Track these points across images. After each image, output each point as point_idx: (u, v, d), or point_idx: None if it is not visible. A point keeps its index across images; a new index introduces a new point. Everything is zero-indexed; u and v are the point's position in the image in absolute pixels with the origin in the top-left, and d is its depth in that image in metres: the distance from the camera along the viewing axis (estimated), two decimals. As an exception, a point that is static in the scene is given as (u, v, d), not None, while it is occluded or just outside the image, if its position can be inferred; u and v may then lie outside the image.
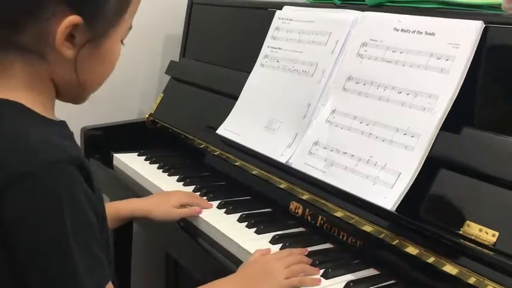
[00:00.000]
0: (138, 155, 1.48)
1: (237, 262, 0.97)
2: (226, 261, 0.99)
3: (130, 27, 0.76)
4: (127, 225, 1.50)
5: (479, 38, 0.90)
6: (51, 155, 0.63)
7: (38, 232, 0.62)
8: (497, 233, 0.79)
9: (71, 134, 0.72)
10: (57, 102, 0.78)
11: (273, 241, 1.00)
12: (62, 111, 0.75)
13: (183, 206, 1.12)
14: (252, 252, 0.96)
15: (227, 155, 1.28)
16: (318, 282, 0.89)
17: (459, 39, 0.92)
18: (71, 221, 0.62)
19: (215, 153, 1.32)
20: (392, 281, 0.90)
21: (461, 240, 0.82)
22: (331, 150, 1.04)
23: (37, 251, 0.62)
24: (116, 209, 1.07)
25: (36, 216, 0.62)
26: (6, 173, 0.61)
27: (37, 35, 0.66)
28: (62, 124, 0.72)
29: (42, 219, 0.62)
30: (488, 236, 0.80)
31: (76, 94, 0.75)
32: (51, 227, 0.62)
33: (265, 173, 1.16)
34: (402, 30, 1.02)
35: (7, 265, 0.63)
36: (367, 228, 0.95)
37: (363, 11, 1.11)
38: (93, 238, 0.66)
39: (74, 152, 0.66)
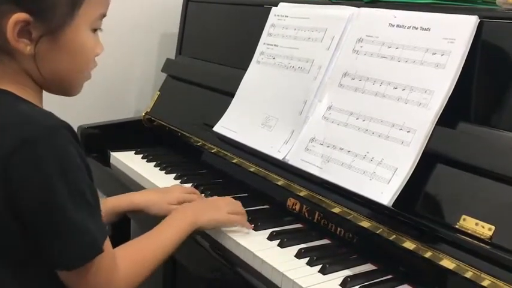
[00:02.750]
0: (135, 153, 1.47)
1: (235, 259, 0.98)
2: (224, 258, 0.99)
3: (104, 15, 0.77)
4: (125, 224, 1.51)
5: (474, 32, 0.90)
6: (49, 121, 0.69)
7: (46, 193, 0.67)
8: (493, 227, 0.80)
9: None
10: (54, 99, 0.79)
11: (271, 237, 1.01)
12: (59, 108, 0.76)
13: (181, 203, 1.12)
14: (250, 249, 0.96)
15: (224, 152, 1.28)
16: (251, 226, 1.03)
17: (454, 34, 0.93)
18: (73, 180, 0.68)
19: (212, 151, 1.32)
20: (390, 276, 0.91)
21: (458, 235, 0.83)
22: (328, 147, 1.04)
23: (48, 210, 0.68)
24: (113, 202, 1.08)
25: (42, 178, 0.67)
26: (8, 142, 0.66)
27: None
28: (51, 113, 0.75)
29: (48, 180, 0.67)
30: (485, 229, 0.80)
31: (56, 86, 0.77)
32: (56, 186, 0.67)
33: (263, 170, 1.16)
34: (398, 25, 1.02)
35: (15, 230, 0.69)
36: (364, 223, 0.95)
37: (358, 7, 1.11)
38: (93, 196, 0.72)
39: (64, 121, 0.71)
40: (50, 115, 0.71)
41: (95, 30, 0.77)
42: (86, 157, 0.73)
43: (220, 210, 1.02)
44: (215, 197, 1.12)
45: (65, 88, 0.78)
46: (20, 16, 0.68)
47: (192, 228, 0.95)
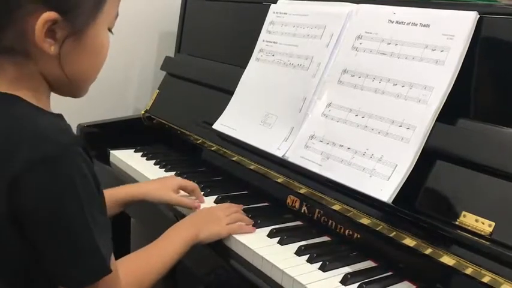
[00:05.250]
0: (135, 152, 1.47)
1: (235, 257, 0.98)
2: (224, 256, 0.99)
3: (117, 15, 0.77)
4: (125, 223, 1.51)
5: (473, 28, 0.90)
6: (62, 139, 0.67)
7: (59, 213, 0.66)
8: (493, 223, 0.80)
9: (68, 126, 0.74)
10: (53, 98, 0.78)
11: (271, 235, 1.00)
12: (58, 107, 0.75)
13: (180, 188, 1.13)
14: (250, 246, 0.96)
15: (224, 150, 1.27)
16: (253, 230, 1.03)
17: (454, 30, 0.92)
18: (85, 200, 0.67)
19: (212, 149, 1.32)
20: (390, 273, 0.90)
21: (458, 231, 0.82)
22: (327, 144, 1.04)
23: (60, 230, 0.67)
24: (112, 192, 1.06)
25: (56, 196, 0.66)
26: (20, 160, 0.65)
27: (18, 35, 0.68)
28: (61, 116, 0.74)
29: (61, 199, 0.66)
30: (485, 226, 0.80)
31: (70, 88, 0.76)
32: (70, 206, 0.66)
33: (262, 168, 1.16)
34: (397, 22, 1.02)
35: (21, 247, 0.68)
36: (364, 220, 0.95)
37: (357, 3, 1.11)
38: (100, 212, 0.71)
39: (77, 136, 0.68)
40: (63, 130, 0.70)
41: (109, 30, 0.76)
42: None
43: (220, 223, 1.01)
44: (213, 207, 1.10)
45: (78, 88, 0.77)
46: (51, 15, 0.66)
47: (193, 243, 0.96)
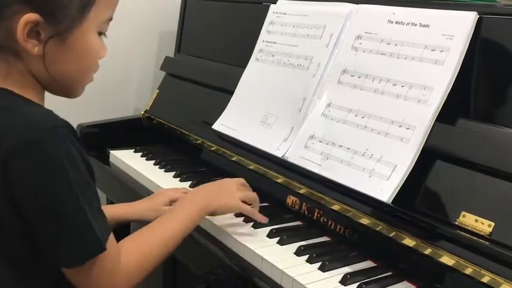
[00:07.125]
0: (135, 152, 1.47)
1: (235, 257, 0.98)
2: (224, 256, 0.99)
3: (110, 19, 0.77)
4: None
5: (473, 29, 0.90)
6: (48, 122, 0.69)
7: (50, 193, 0.68)
8: (492, 223, 0.80)
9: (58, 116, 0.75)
10: (53, 99, 0.79)
11: (270, 235, 1.00)
12: (58, 108, 0.76)
13: (173, 202, 1.11)
14: (249, 246, 0.96)
15: (223, 150, 1.28)
16: (265, 220, 1.02)
17: (453, 30, 0.92)
18: (75, 180, 0.68)
19: (211, 149, 1.32)
20: (389, 273, 0.91)
21: (458, 231, 0.83)
22: (327, 144, 1.04)
23: (51, 211, 0.68)
24: (110, 211, 1.05)
25: (44, 179, 0.67)
26: (8, 144, 0.66)
27: (7, 33, 0.70)
28: (50, 111, 0.74)
29: (50, 181, 0.67)
30: (484, 226, 0.80)
31: (59, 88, 0.77)
32: (60, 187, 0.68)
33: (262, 168, 1.16)
34: (397, 22, 1.02)
35: (18, 226, 0.69)
36: (364, 220, 0.95)
37: (357, 3, 1.11)
38: (93, 194, 0.72)
39: (66, 121, 0.71)
40: (50, 115, 0.71)
41: (100, 33, 0.77)
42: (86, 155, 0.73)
43: (233, 195, 0.99)
44: (226, 179, 1.06)
45: (69, 89, 0.78)
46: (31, 16, 0.68)
47: (203, 215, 0.93)
